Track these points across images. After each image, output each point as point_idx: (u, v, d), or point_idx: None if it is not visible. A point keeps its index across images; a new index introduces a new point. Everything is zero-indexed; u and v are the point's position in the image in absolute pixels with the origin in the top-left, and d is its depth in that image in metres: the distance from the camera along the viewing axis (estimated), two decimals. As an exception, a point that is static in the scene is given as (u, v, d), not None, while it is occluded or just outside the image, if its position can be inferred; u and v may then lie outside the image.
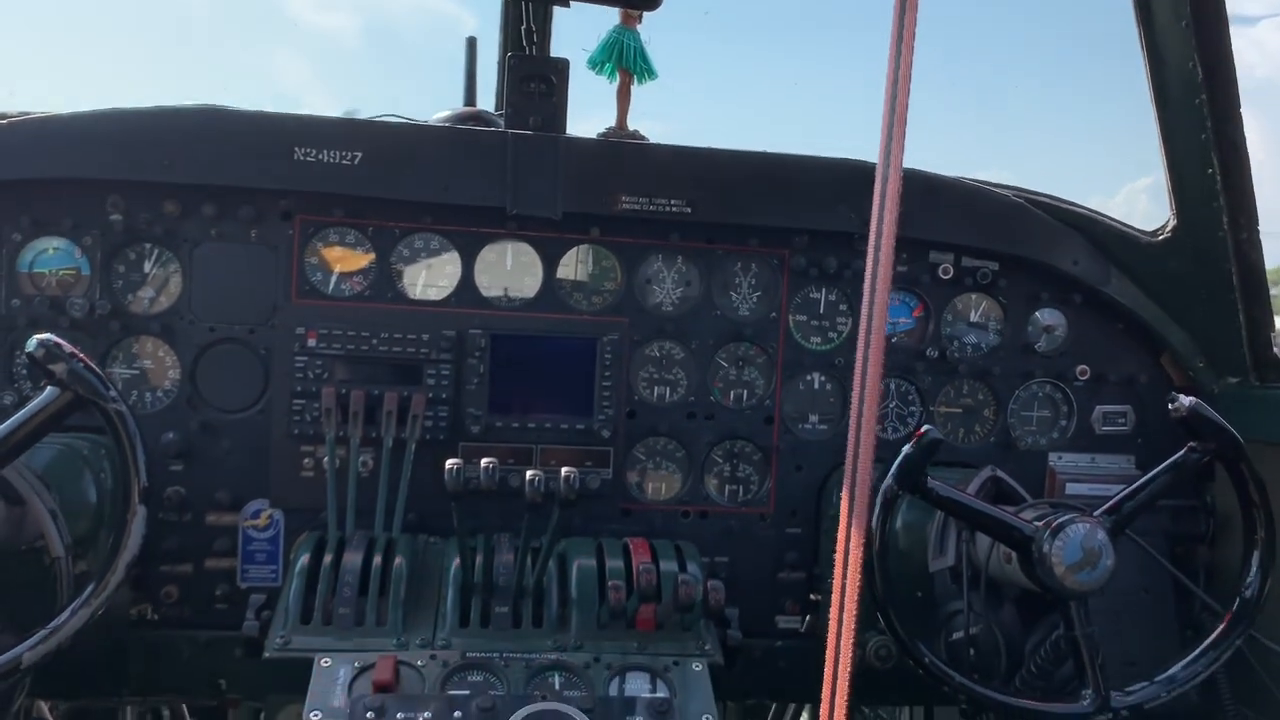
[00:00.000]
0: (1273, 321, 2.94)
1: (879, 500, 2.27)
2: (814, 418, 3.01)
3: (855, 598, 1.36)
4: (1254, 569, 2.34)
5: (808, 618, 3.00)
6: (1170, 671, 2.33)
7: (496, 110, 3.24)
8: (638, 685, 2.28)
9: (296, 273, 2.76)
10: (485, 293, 2.83)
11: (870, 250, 1.29)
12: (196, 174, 2.64)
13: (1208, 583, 2.98)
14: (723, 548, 2.95)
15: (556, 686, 2.23)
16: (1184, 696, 2.37)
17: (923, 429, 2.28)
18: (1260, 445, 2.64)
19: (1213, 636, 2.35)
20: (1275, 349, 2.97)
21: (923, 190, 2.92)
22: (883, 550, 2.29)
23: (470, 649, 2.28)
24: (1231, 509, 2.57)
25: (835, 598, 1.37)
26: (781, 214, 2.87)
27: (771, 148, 2.87)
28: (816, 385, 3.01)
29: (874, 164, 2.87)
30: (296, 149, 2.63)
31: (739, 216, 2.86)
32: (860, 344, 1.23)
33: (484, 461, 2.15)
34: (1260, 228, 2.86)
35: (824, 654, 2.85)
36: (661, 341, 2.93)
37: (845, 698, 1.23)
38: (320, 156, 2.64)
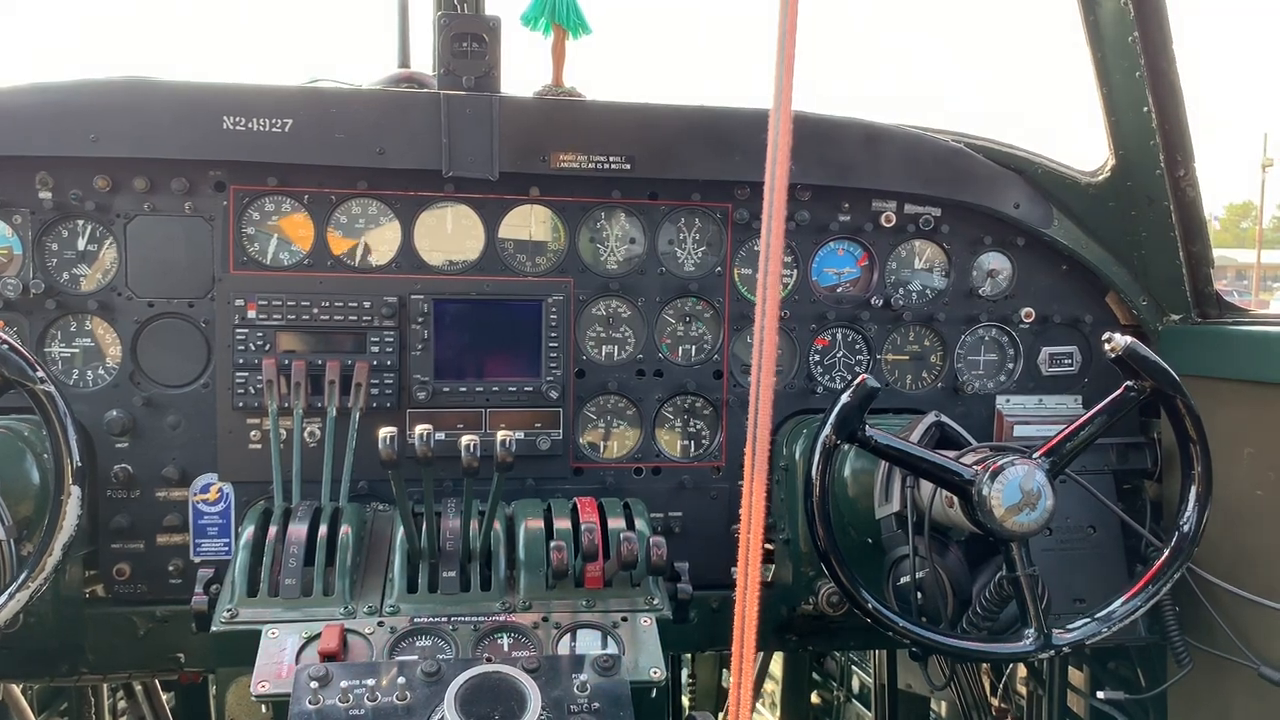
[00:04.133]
0: (1212, 258, 2.96)
1: (818, 450, 2.28)
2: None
3: (760, 548, 1.36)
4: (1191, 503, 2.37)
5: (764, 566, 3.02)
6: (1110, 608, 2.36)
7: (432, 72, 3.20)
8: (588, 643, 2.30)
9: (233, 244, 2.73)
10: (426, 257, 2.82)
11: (765, 205, 1.27)
12: (125, 147, 2.60)
13: (1156, 518, 3.03)
14: (676, 503, 2.97)
15: (505, 648, 2.24)
16: (1132, 628, 2.41)
17: (861, 378, 2.29)
18: (1203, 380, 2.67)
19: (1151, 572, 2.38)
20: (1216, 286, 2.99)
21: (863, 139, 2.91)
22: (824, 499, 2.30)
23: (418, 615, 2.29)
24: (1176, 444, 2.60)
25: (741, 549, 1.38)
26: (722, 167, 2.86)
27: (712, 101, 2.86)
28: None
29: (812, 114, 2.87)
30: (225, 118, 2.60)
31: (680, 171, 2.85)
32: (759, 295, 1.22)
33: (419, 428, 2.14)
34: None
35: (778, 602, 2.90)
36: (608, 300, 2.93)
37: (754, 645, 1.24)
38: (250, 125, 2.61)
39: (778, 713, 5.09)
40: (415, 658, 2.17)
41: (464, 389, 2.79)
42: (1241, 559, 2.71)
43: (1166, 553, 2.37)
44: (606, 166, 2.77)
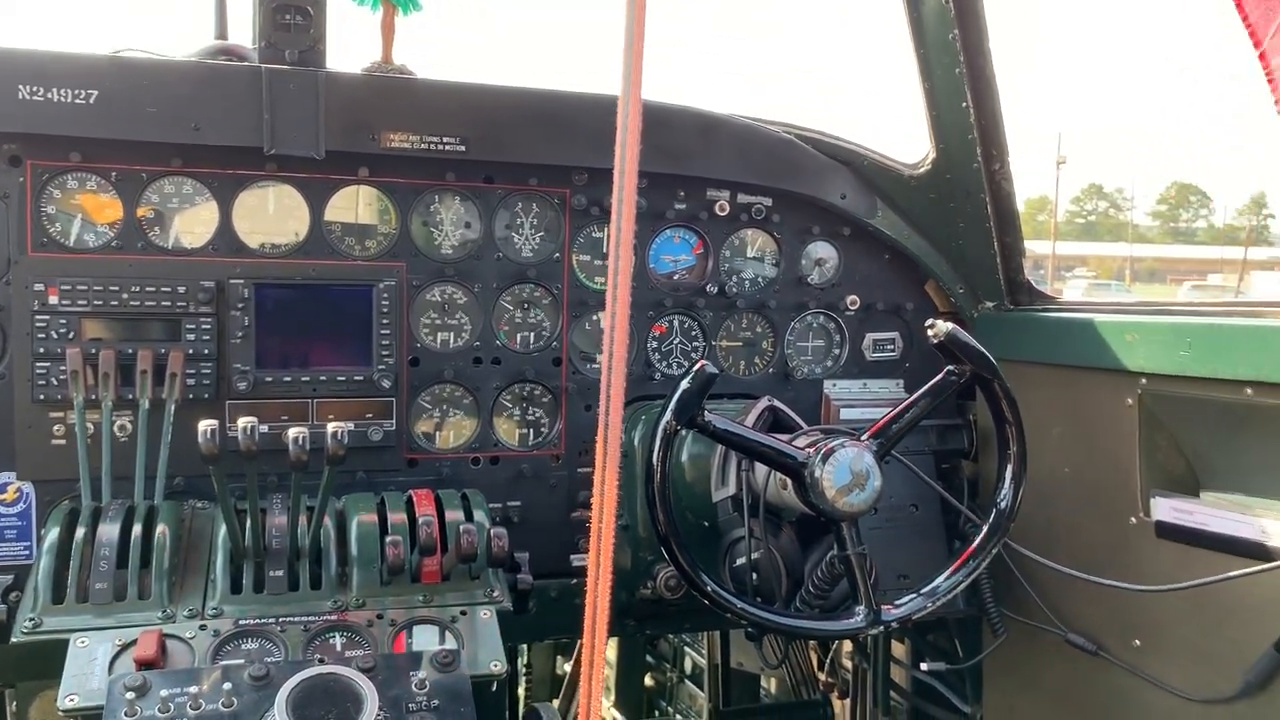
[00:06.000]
0: (1023, 248, 3.13)
1: (659, 436, 2.29)
2: (601, 357, 3.01)
3: (612, 533, 1.35)
4: (1008, 481, 2.49)
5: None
6: (934, 583, 2.47)
7: (252, 45, 3.04)
8: (426, 639, 2.24)
9: (31, 224, 2.52)
10: (246, 240, 2.67)
11: (615, 190, 1.25)
12: None
13: (972, 495, 3.18)
14: (515, 492, 2.93)
15: (338, 648, 2.16)
16: (952, 601, 2.52)
17: (700, 363, 2.31)
18: (1014, 364, 2.82)
19: (971, 547, 2.49)
20: (1026, 274, 3.16)
21: (698, 129, 2.94)
22: (664, 484, 2.31)
23: (243, 616, 2.18)
24: (991, 426, 2.74)
25: (593, 535, 1.37)
26: (560, 152, 2.82)
27: (552, 85, 2.82)
28: (603, 325, 3.00)
29: (649, 101, 2.86)
30: (21, 87, 2.39)
31: (516, 155, 2.80)
32: (610, 282, 1.20)
33: (242, 421, 2.03)
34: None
35: (617, 588, 2.91)
36: (443, 285, 2.85)
37: (605, 631, 1.23)
38: (50, 96, 2.40)
39: (612, 696, 5.12)
40: (241, 662, 2.06)
41: (289, 379, 2.66)
42: (1051, 532, 2.88)
43: (985, 529, 2.49)
44: (440, 148, 2.69)
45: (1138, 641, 2.70)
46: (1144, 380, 2.63)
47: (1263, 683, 2.37)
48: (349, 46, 2.80)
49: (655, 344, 3.07)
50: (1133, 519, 2.69)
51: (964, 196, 3.08)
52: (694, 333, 3.09)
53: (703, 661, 4.61)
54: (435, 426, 2.88)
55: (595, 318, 3.01)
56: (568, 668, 4.83)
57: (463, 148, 2.71)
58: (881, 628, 2.40)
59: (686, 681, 4.92)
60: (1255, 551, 2.39)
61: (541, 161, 2.84)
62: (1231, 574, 2.39)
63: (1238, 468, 2.56)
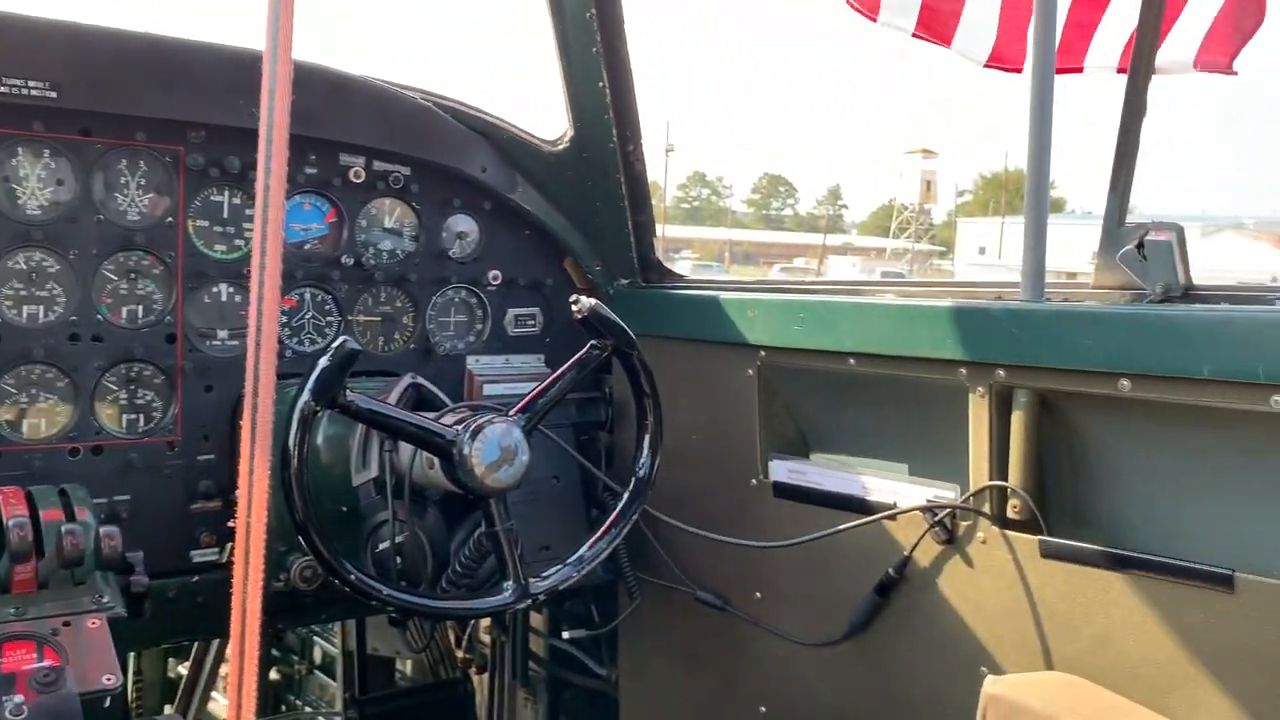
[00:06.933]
0: (655, 228, 3.26)
1: (296, 417, 2.14)
2: (224, 333, 2.76)
3: (264, 522, 1.23)
4: (646, 450, 2.59)
5: (228, 546, 2.79)
6: (580, 552, 2.52)
7: None
8: (20, 658, 1.95)
9: None
10: None
11: (261, 156, 1.13)
12: None
13: (609, 465, 3.29)
14: (123, 485, 2.62)
15: (-98, 677, 1.82)
16: (593, 570, 2.58)
17: (340, 340, 2.18)
18: (647, 338, 2.93)
19: (613, 515, 2.57)
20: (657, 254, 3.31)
21: (330, 89, 2.77)
22: (301, 469, 2.17)
23: None
24: (627, 398, 2.83)
25: (240, 524, 1.24)
26: (172, 105, 2.54)
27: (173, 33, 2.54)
28: (225, 297, 2.76)
29: (276, 56, 2.66)
30: None
31: (121, 105, 2.48)
32: (255, 250, 1.09)
33: None
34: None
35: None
36: (29, 252, 2.48)
37: (257, 628, 1.11)
38: None
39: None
40: None
41: None
42: (682, 497, 3.04)
43: (626, 496, 2.57)
44: (24, 93, 2.33)
45: (759, 594, 2.92)
46: (763, 353, 2.84)
47: (864, 623, 2.65)
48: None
49: (285, 319, 2.86)
50: (754, 481, 2.91)
51: (601, 175, 3.15)
52: (328, 307, 2.92)
53: (333, 650, 4.42)
54: (20, 414, 2.51)
55: (216, 289, 2.75)
56: (182, 670, 4.46)
57: (54, 94, 2.36)
58: (530, 600, 2.41)
59: (316, 672, 4.71)
60: (858, 506, 2.66)
61: (151, 115, 2.54)
62: (839, 527, 2.64)
63: (842, 430, 2.84)
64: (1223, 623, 1.99)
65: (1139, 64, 2.62)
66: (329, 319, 2.92)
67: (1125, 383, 2.09)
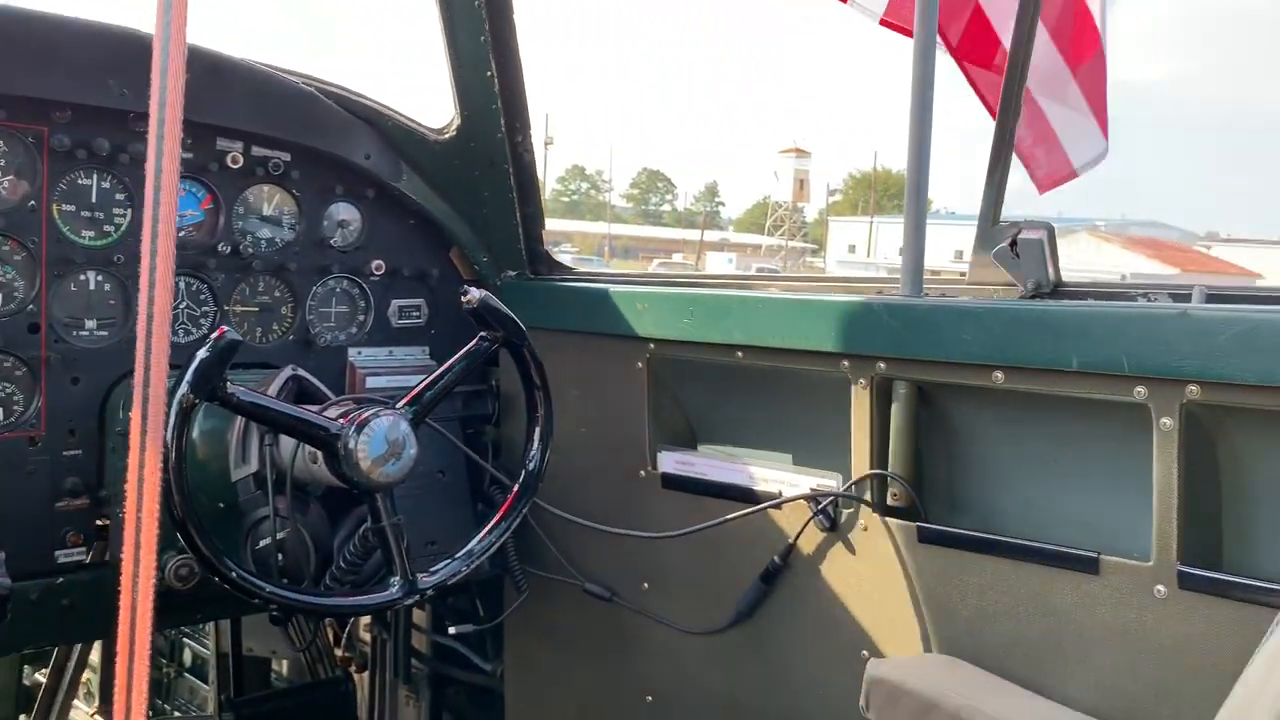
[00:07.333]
0: (544, 219, 3.24)
1: (174, 411, 2.06)
2: (91, 323, 2.63)
3: (155, 519, 1.18)
4: (535, 443, 2.57)
5: (95, 545, 2.67)
6: (469, 546, 2.49)
7: None
8: None
9: None
10: None
11: (152, 139, 1.08)
12: None
13: (496, 458, 3.26)
14: None
15: None
16: (481, 564, 2.56)
17: (220, 330, 2.11)
18: (536, 331, 2.91)
19: (503, 509, 2.55)
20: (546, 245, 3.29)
21: (207, 70, 2.66)
22: (179, 464, 2.09)
23: None
24: (514, 391, 2.81)
25: (129, 521, 1.19)
26: (35, 82, 2.41)
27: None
28: (93, 286, 2.63)
29: (147, 34, 2.55)
30: None
31: None
32: (146, 238, 1.04)
33: None
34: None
35: (118, 582, 2.59)
36: None
37: (149, 627, 1.07)
38: None
39: (95, 703, 4.59)
40: None
41: None
42: (570, 489, 3.04)
43: (516, 489, 2.55)
44: None
45: (647, 584, 2.95)
46: (652, 345, 2.85)
47: (750, 610, 2.69)
48: None
49: None
50: (642, 472, 2.92)
51: (488, 165, 3.12)
52: (203, 296, 2.81)
53: (205, 652, 4.28)
54: None
55: (83, 277, 2.62)
56: (40, 677, 4.25)
57: None
58: (418, 596, 2.38)
59: (186, 675, 4.55)
60: (744, 496, 2.70)
61: (10, 92, 2.41)
62: (726, 517, 2.68)
63: (729, 422, 2.88)
64: (1089, 602, 2.10)
65: (1015, 65, 2.71)
66: (205, 309, 2.81)
67: (999, 374, 2.17)
